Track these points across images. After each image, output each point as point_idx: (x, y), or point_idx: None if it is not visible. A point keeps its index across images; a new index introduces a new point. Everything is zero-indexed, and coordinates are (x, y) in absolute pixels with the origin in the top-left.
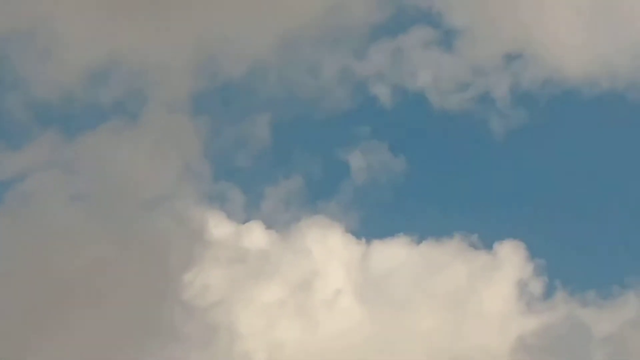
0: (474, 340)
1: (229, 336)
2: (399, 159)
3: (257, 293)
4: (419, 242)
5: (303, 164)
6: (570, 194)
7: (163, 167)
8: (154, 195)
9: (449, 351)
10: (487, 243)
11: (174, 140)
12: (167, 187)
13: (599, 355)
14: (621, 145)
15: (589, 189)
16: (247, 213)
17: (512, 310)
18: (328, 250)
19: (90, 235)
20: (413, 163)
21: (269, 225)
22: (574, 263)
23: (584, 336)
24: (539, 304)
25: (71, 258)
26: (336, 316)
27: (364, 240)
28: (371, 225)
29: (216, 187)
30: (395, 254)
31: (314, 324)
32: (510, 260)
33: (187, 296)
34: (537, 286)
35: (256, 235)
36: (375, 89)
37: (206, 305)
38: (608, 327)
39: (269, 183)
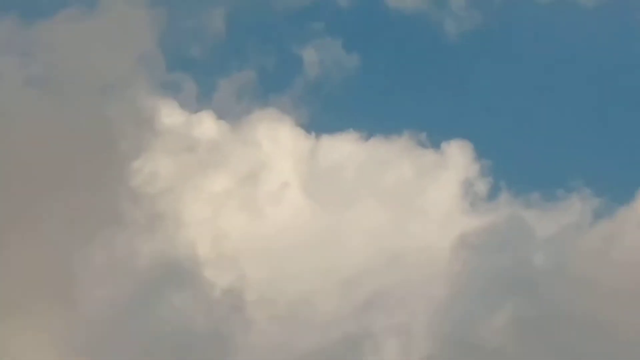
0: (417, 237)
1: (174, 224)
2: (351, 56)
3: (205, 183)
4: (367, 138)
5: (257, 58)
6: (520, 96)
7: (117, 55)
8: (107, 83)
9: (392, 248)
10: (435, 142)
11: (130, 29)
12: (120, 75)
13: (540, 255)
14: (571, 48)
15: (538, 91)
16: (199, 103)
17: (456, 210)
18: (277, 143)
19: (43, 120)
20: (366, 61)
21: (220, 116)
22: (520, 165)
23: (526, 237)
24: (483, 204)
25: (22, 141)
26: (282, 209)
27: (313, 134)
28: (321, 120)
29: (169, 77)
30: (343, 149)
31: (260, 215)
32: (457, 160)
33: (134, 183)
34: (482, 186)
35: (207, 126)
36: None
37: (154, 192)
38: (550, 229)
39: (222, 75)
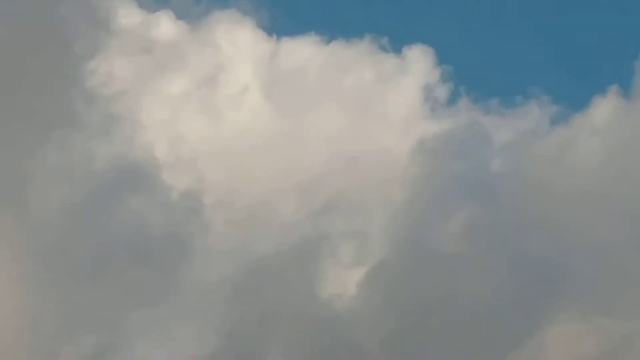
0: (376, 141)
1: (131, 126)
2: None
3: (163, 85)
4: (328, 41)
5: None
6: (482, 4)
7: None
8: None
9: (351, 151)
10: (396, 46)
11: None
12: None
13: (496, 161)
14: None
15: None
16: (157, 3)
17: (416, 115)
18: (237, 45)
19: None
20: None
21: (179, 17)
22: (480, 71)
23: (484, 142)
24: (443, 109)
25: None
26: (241, 112)
27: (274, 37)
28: (282, 23)
29: None
30: (304, 52)
31: (219, 118)
32: (418, 65)
33: (90, 84)
34: (442, 92)
35: (165, 26)
36: None
37: (109, 94)
38: (508, 135)
39: None
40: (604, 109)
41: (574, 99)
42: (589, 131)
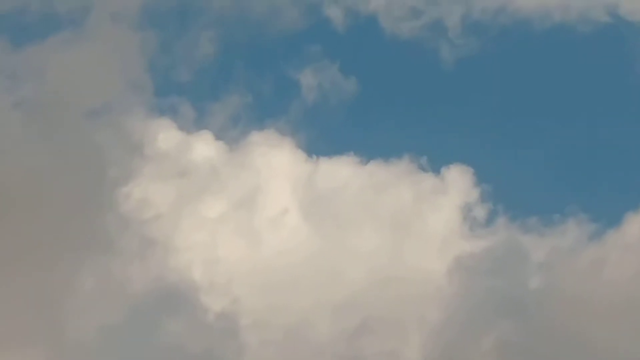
0: (414, 261)
1: (168, 249)
2: (349, 80)
3: (201, 207)
4: (366, 162)
5: (253, 81)
6: (518, 122)
7: (107, 78)
8: (97, 106)
9: (389, 271)
10: (435, 166)
11: (119, 53)
12: (110, 98)
13: (535, 279)
14: (570, 76)
15: (536, 118)
16: (195, 127)
17: (454, 234)
18: (275, 167)
19: (31, 143)
20: (363, 85)
21: (217, 138)
22: (518, 190)
23: (522, 260)
24: (482, 229)
25: (10, 164)
26: (279, 233)
27: (311, 158)
28: (319, 144)
29: (162, 101)
30: (342, 173)
31: (257, 240)
32: (457, 185)
33: (124, 209)
34: (481, 211)
35: (203, 149)
36: (328, 11)
37: (144, 218)
38: (546, 253)
39: (218, 99)
40: (637, 224)
41: (608, 215)
42: (622, 247)
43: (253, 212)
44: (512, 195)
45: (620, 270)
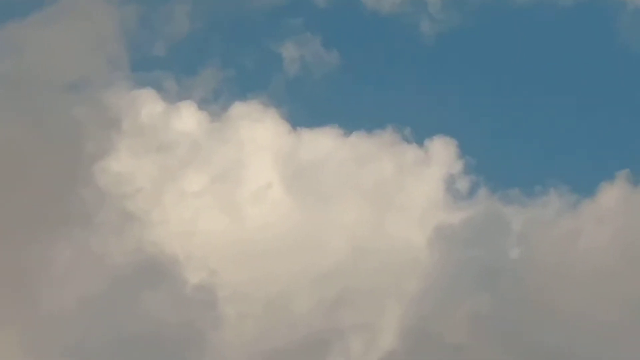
0: (395, 232)
1: (149, 221)
2: (331, 53)
3: (181, 181)
4: (349, 133)
5: (235, 55)
6: (501, 96)
7: (85, 53)
8: (75, 81)
9: (372, 243)
10: (419, 138)
11: (97, 28)
12: (88, 73)
13: (514, 250)
14: (551, 49)
15: (518, 91)
16: (178, 99)
17: (437, 206)
18: (258, 139)
19: (8, 118)
20: (345, 58)
21: (200, 110)
22: (502, 162)
23: (502, 231)
24: (464, 200)
25: None
26: (261, 206)
27: (294, 130)
28: (302, 116)
29: (142, 75)
30: (325, 144)
31: (239, 212)
32: (440, 156)
33: (103, 183)
34: (463, 183)
35: (184, 123)
36: None
37: (123, 192)
38: (527, 225)
39: (198, 73)
40: (610, 194)
41: (585, 186)
42: (596, 218)
43: (235, 185)
44: (496, 167)
45: (594, 240)
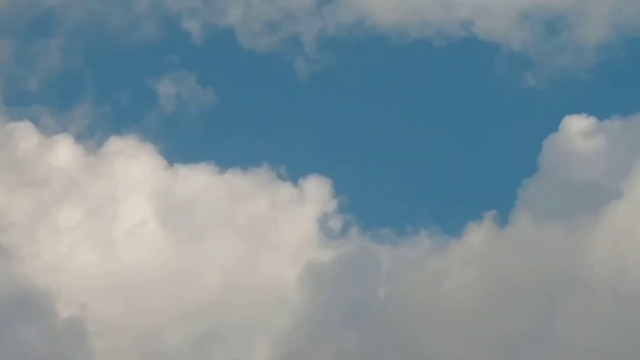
0: (268, 269)
1: (16, 258)
2: (207, 90)
3: (56, 216)
4: (224, 170)
5: (112, 91)
6: (376, 136)
7: None
8: None
9: (244, 279)
10: (294, 176)
11: None
12: None
13: (383, 288)
14: (425, 90)
15: (393, 132)
16: (54, 134)
17: (310, 243)
18: (133, 175)
19: None
20: (221, 95)
21: (76, 144)
22: (375, 201)
23: (372, 270)
24: (337, 239)
25: None
26: (135, 241)
27: (169, 166)
28: (178, 152)
29: (17, 110)
30: (200, 181)
31: (112, 248)
32: (315, 195)
33: None
34: (337, 222)
35: (59, 156)
36: (186, 23)
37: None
38: (396, 264)
39: (75, 108)
40: (479, 235)
41: (453, 226)
42: (462, 258)
43: (109, 219)
44: (369, 207)
45: (460, 280)
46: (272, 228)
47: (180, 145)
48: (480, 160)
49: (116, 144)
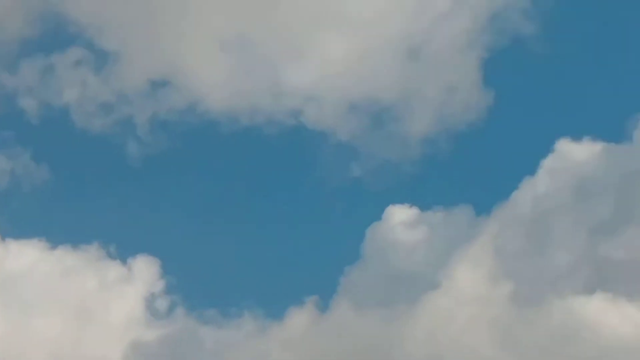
0: (94, 347)
1: None
2: (41, 167)
3: None
4: (55, 247)
5: None
6: (205, 218)
7: None
8: None
9: (70, 357)
10: (123, 255)
11: None
12: None
13: None
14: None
15: (221, 214)
16: None
17: (136, 323)
18: None
19: None
20: (55, 173)
21: None
22: (202, 283)
23: (196, 350)
24: (163, 319)
25: None
26: None
27: (1, 241)
28: (9, 227)
29: None
30: (30, 256)
31: None
32: (143, 275)
33: None
34: (163, 302)
35: None
36: (22, 101)
37: None
38: (219, 345)
39: None
40: (300, 319)
41: (276, 309)
42: (283, 341)
43: None
44: (195, 288)
45: None
46: (100, 306)
47: (13, 220)
48: (304, 246)
49: None
